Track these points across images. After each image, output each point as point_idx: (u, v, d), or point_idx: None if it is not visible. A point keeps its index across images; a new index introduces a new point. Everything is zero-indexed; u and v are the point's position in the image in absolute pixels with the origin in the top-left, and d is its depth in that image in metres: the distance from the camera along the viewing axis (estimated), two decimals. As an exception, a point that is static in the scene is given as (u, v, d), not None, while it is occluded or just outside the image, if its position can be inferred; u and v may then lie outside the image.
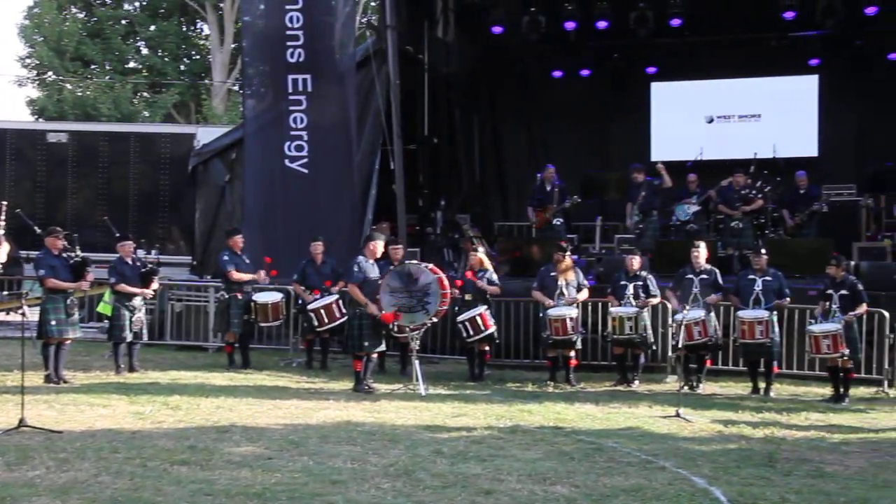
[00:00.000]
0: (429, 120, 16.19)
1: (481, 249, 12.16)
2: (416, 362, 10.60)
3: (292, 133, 14.48)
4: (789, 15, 15.92)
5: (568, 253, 11.61)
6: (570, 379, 11.34)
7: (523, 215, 15.81)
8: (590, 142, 18.31)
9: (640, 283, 11.43)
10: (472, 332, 11.27)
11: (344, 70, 14.47)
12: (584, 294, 11.64)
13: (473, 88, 18.22)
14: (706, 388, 11.18)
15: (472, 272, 11.52)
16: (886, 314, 11.18)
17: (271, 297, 12.19)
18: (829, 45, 17.22)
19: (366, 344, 10.48)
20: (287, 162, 14.49)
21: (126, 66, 32.70)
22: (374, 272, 10.67)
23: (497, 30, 17.17)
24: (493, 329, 11.39)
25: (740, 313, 10.87)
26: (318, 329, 11.95)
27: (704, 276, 11.22)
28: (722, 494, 6.32)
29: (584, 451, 7.56)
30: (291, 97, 14.45)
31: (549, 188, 14.79)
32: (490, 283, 11.63)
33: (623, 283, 11.45)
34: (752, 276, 11.05)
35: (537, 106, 18.94)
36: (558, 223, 14.70)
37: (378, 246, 10.81)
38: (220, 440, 7.66)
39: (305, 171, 14.45)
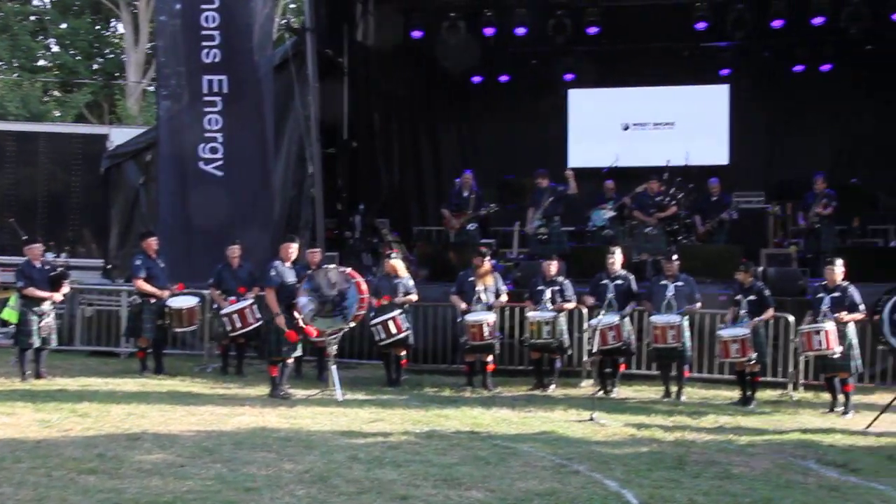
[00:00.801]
0: (348, 123, 16.11)
1: (395, 255, 12.14)
2: (334, 367, 10.52)
3: (206, 135, 14.25)
4: (701, 25, 16.32)
5: (487, 258, 11.67)
6: (487, 383, 11.40)
7: (441, 220, 15.86)
8: (508, 147, 18.47)
9: (557, 288, 11.56)
10: (384, 336, 11.26)
11: (261, 72, 14.30)
12: (504, 299, 11.73)
13: (393, 93, 18.21)
14: (620, 392, 11.36)
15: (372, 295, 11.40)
16: (791, 319, 11.52)
17: (186, 301, 11.99)
18: (739, 55, 17.74)
19: (283, 349, 10.39)
20: (201, 164, 14.25)
21: (35, 63, 31.72)
22: (291, 276, 10.59)
23: (416, 34, 17.20)
24: (405, 333, 11.38)
25: (653, 318, 11.08)
26: (233, 334, 11.78)
27: (619, 282, 11.40)
28: (633, 497, 6.44)
29: (499, 455, 7.61)
30: (206, 98, 14.22)
31: (466, 194, 14.86)
32: (406, 290, 11.64)
33: (540, 288, 11.57)
34: (664, 282, 11.25)
35: (457, 111, 19.07)
36: (472, 228, 14.79)
37: (293, 249, 10.73)
38: (130, 448, 7.50)
39: (220, 173, 14.22)
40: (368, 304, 10.87)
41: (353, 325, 10.77)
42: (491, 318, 11.32)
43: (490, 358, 11.51)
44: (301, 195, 14.66)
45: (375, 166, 17.75)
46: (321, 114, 14.58)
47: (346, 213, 15.99)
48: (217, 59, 14.18)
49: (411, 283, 11.83)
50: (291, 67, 14.31)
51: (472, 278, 11.57)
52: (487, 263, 11.65)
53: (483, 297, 11.49)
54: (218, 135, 14.24)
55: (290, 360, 10.69)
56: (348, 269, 10.80)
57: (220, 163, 14.24)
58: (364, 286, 10.63)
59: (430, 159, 19.02)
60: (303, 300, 10.37)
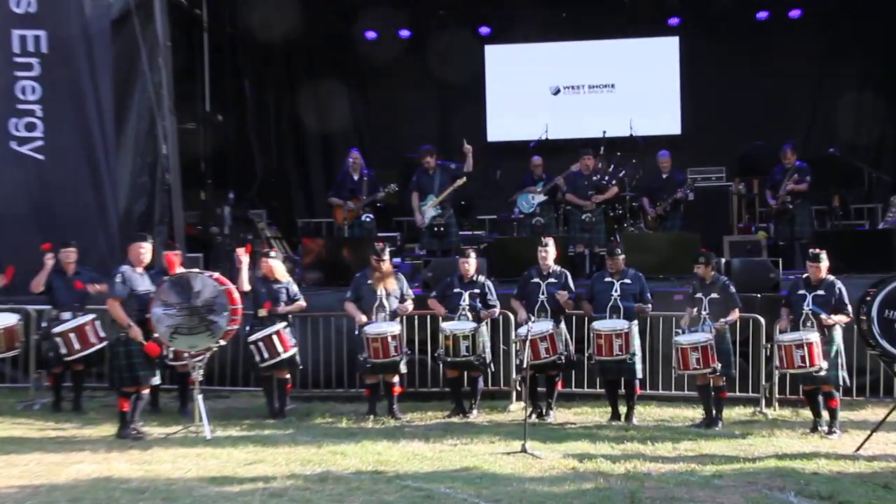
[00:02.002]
0: (211, 92, 15.81)
1: (274, 254, 11.97)
2: (200, 397, 10.36)
3: (20, 107, 13.77)
4: (645, -36, 16.56)
5: (387, 256, 11.58)
6: (393, 411, 11.36)
7: (331, 210, 15.72)
8: (411, 119, 18.42)
9: (478, 290, 11.53)
10: (266, 356, 11.14)
11: (94, 28, 13.88)
12: (410, 306, 11.67)
13: (268, 53, 17.96)
14: (557, 415, 11.38)
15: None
16: (762, 320, 11.71)
17: (3, 319, 11.60)
18: (691, 0, 18.00)
19: (140, 373, 10.26)
20: (15, 145, 13.77)
21: None
22: (143, 284, 10.44)
23: (295, -22, 17.01)
24: (293, 351, 11.30)
25: (595, 325, 11.12)
26: (68, 359, 11.47)
27: (553, 280, 11.42)
28: (577, 546, 6.44)
29: (410, 499, 7.57)
30: (18, 60, 13.74)
31: (356, 177, 14.76)
32: (291, 298, 11.52)
33: (457, 290, 11.53)
34: (607, 279, 11.31)
35: (348, 75, 18.90)
36: (368, 219, 14.69)
37: (144, 250, 10.52)
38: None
39: (40, 156, 13.78)
40: (243, 317, 10.69)
41: (223, 343, 10.60)
42: (396, 329, 11.26)
43: (396, 379, 11.46)
44: (154, 183, 14.33)
45: (247, 145, 17.50)
46: (176, 80, 14.25)
47: (212, 203, 15.72)
48: (32, 9, 13.71)
49: (296, 288, 11.72)
50: (135, 21, 13.96)
51: (370, 281, 11.48)
52: (388, 263, 11.56)
53: (385, 304, 11.42)
54: (35, 107, 13.78)
55: (146, 390, 10.48)
56: (216, 274, 10.62)
57: (39, 143, 13.78)
58: (237, 295, 10.46)
59: (315, 135, 18.84)
60: (158, 313, 10.16)
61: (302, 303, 11.61)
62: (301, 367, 11.72)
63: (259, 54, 17.82)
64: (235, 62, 17.08)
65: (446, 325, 11.32)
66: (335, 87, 18.88)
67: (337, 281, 13.16)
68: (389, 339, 11.13)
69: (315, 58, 18.69)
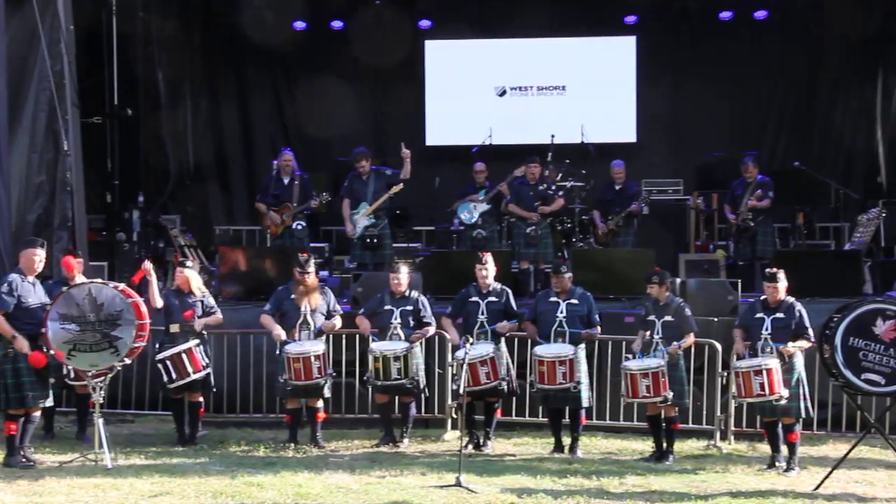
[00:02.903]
0: (120, 83, 15.68)
1: (190, 264, 11.92)
2: (100, 422, 10.28)
3: None
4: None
5: (312, 268, 11.58)
6: (316, 439, 11.35)
7: (255, 217, 15.66)
8: (344, 119, 18.39)
9: (410, 307, 11.56)
10: (175, 376, 11.09)
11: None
12: (337, 323, 11.67)
13: (184, 43, 17.84)
14: (496, 446, 11.44)
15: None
16: (719, 346, 11.87)
17: None
18: (649, -2, 18.21)
19: (29, 394, 10.12)
20: None
21: None
22: (35, 295, 10.35)
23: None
24: (205, 372, 11.28)
25: (538, 350, 11.17)
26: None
27: (493, 299, 11.47)
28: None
29: (332, 537, 7.56)
30: None
31: (286, 181, 14.71)
32: (206, 311, 11.49)
33: (388, 307, 11.54)
34: (553, 299, 11.38)
35: (275, 68, 18.84)
36: (299, 227, 14.65)
37: (38, 257, 10.41)
38: None
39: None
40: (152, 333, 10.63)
41: (128, 361, 10.53)
42: (320, 349, 11.24)
43: (320, 404, 11.44)
44: (53, 183, 14.15)
45: (160, 143, 17.37)
46: (80, 69, 14.12)
47: (120, 207, 15.59)
48: None
49: (212, 301, 11.69)
50: (34, 1, 13.78)
51: (293, 296, 11.46)
52: (313, 276, 11.56)
53: (310, 321, 11.41)
54: None
55: (37, 413, 10.36)
56: (122, 285, 10.56)
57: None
58: (144, 308, 10.42)
59: (237, 133, 18.74)
60: (55, 327, 10.08)
61: (219, 315, 11.58)
62: (215, 389, 11.68)
63: (174, 43, 17.68)
64: (148, 51, 16.93)
65: (376, 346, 11.32)
66: (260, 81, 18.82)
67: (257, 295, 13.08)
68: (313, 359, 11.09)
69: (237, 48, 18.58)
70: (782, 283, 10.67)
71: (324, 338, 11.51)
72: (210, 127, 18.54)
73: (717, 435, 11.85)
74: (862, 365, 9.77)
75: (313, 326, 11.41)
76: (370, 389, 11.74)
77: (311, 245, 14.74)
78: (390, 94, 18.70)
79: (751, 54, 18.01)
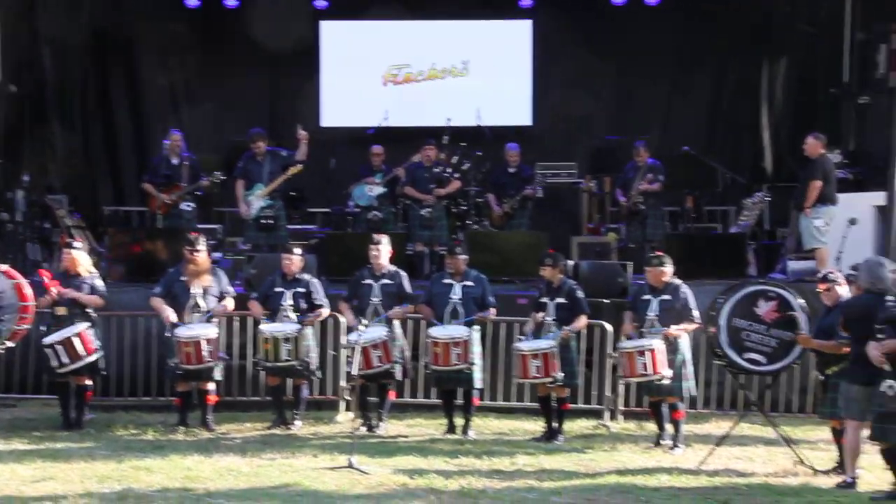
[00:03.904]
0: (3, 59, 15.33)
1: (77, 245, 11.75)
2: (-18, 406, 10.13)
3: None
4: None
5: (203, 247, 11.50)
6: (207, 422, 11.31)
7: (144, 197, 15.45)
8: (237, 99, 18.22)
9: (302, 289, 11.55)
10: (65, 360, 10.96)
11: None
12: (229, 305, 11.62)
13: (72, 17, 17.47)
14: (389, 428, 11.52)
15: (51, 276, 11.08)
16: (609, 328, 12.08)
17: None
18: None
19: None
20: None
21: None
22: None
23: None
24: (98, 355, 11.17)
25: (432, 331, 11.26)
26: None
27: (387, 282, 11.52)
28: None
29: (221, 520, 7.56)
30: None
31: (175, 161, 14.58)
32: (94, 291, 11.35)
33: (279, 289, 11.53)
34: (447, 281, 11.47)
35: (165, 46, 18.53)
36: (188, 209, 14.52)
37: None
38: None
39: None
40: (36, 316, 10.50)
41: (11, 345, 10.45)
42: (211, 332, 11.21)
43: (211, 387, 11.39)
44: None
45: (46, 120, 17.01)
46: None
47: (2, 186, 15.30)
48: None
49: (101, 283, 11.56)
50: None
51: (183, 277, 11.39)
52: (204, 256, 11.49)
53: (201, 303, 11.36)
54: None
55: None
56: (4, 267, 10.45)
57: None
58: (28, 290, 10.32)
59: (126, 112, 18.41)
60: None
61: (98, 299, 11.45)
62: (105, 372, 11.59)
63: (62, 18, 17.30)
64: (32, 25, 16.55)
65: (266, 327, 11.33)
66: (150, 59, 18.50)
67: (147, 276, 12.97)
68: (203, 342, 11.05)
69: (127, 25, 18.25)
70: (667, 266, 10.88)
71: (216, 320, 11.45)
72: (99, 106, 18.20)
73: (607, 415, 12.07)
74: (745, 345, 10.05)
75: (204, 308, 11.34)
76: (262, 371, 11.71)
77: (204, 226, 14.61)
78: (285, 75, 18.53)
79: (643, 39, 18.17)
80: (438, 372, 11.24)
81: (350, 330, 11.42)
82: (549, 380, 10.90)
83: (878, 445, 8.74)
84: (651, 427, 11.25)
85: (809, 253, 13.32)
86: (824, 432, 10.44)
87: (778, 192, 15.59)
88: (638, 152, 15.10)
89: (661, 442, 10.83)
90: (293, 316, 11.42)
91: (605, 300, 12.50)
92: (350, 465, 9.33)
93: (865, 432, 8.93)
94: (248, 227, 14.45)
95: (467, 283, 11.42)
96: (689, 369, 10.85)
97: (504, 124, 17.34)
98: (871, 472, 9.25)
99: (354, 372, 10.73)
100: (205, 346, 11.06)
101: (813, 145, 13.21)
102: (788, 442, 10.24)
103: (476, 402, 11.52)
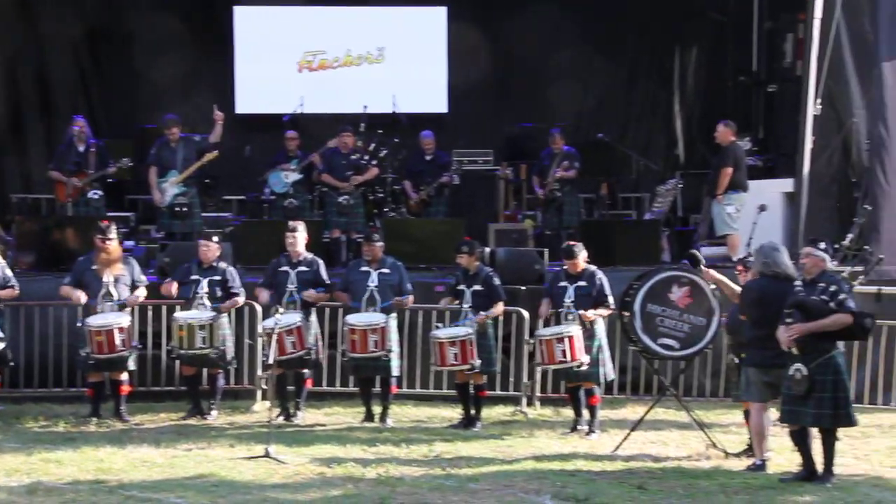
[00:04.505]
0: None
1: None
2: None
3: None
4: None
5: (114, 235, 11.36)
6: (120, 412, 11.21)
7: (52, 185, 15.18)
8: (151, 85, 17.96)
9: (218, 277, 11.46)
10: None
11: None
12: (141, 294, 11.50)
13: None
14: (307, 416, 11.50)
15: None
16: (526, 314, 12.13)
17: None
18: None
19: None
20: None
21: None
22: None
23: None
24: (2, 345, 11.07)
25: (349, 318, 11.24)
26: None
27: (304, 269, 11.47)
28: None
29: (135, 512, 7.48)
30: None
31: (81, 148, 14.35)
32: (2, 283, 11.24)
33: (194, 277, 11.43)
34: (364, 269, 11.45)
35: (73, 30, 18.18)
36: (95, 196, 14.32)
37: None
38: None
39: None
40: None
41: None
42: (124, 321, 11.10)
43: (124, 377, 11.29)
44: None
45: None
46: None
47: None
48: None
49: (9, 272, 11.42)
50: None
51: (95, 266, 11.25)
52: (115, 245, 11.36)
53: (113, 291, 11.23)
54: None
55: None
56: None
57: None
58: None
59: (33, 97, 18.06)
60: None
61: (15, 290, 11.30)
62: (13, 363, 11.40)
63: None
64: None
65: (180, 315, 11.25)
66: (59, 42, 18.14)
67: (56, 265, 12.82)
68: (116, 331, 10.95)
69: (37, 6, 17.88)
70: (581, 252, 10.97)
71: (128, 309, 11.32)
72: (4, 91, 17.80)
73: (524, 401, 12.14)
74: (659, 330, 10.18)
75: (117, 297, 11.21)
76: (177, 360, 11.61)
77: (116, 214, 14.43)
78: (199, 61, 18.26)
79: (557, 27, 18.27)
80: (356, 359, 11.23)
81: (266, 316, 11.34)
82: (467, 367, 10.96)
83: (788, 428, 8.92)
84: (568, 413, 11.31)
85: (721, 239, 13.52)
86: (736, 416, 10.63)
87: (690, 179, 15.82)
88: (554, 139, 15.23)
89: (578, 427, 10.92)
90: (208, 304, 11.33)
91: (521, 287, 12.57)
92: (267, 455, 9.28)
93: (775, 415, 9.10)
94: (162, 214, 14.28)
95: (384, 270, 11.43)
96: (606, 355, 10.97)
97: (420, 111, 17.33)
98: (781, 454, 9.44)
99: (270, 360, 10.67)
100: (117, 336, 10.94)
101: (724, 133, 13.41)
102: (701, 426, 10.42)
103: (394, 389, 11.54)
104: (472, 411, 11.21)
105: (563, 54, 18.13)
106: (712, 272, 10.12)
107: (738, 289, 9.82)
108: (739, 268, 10.12)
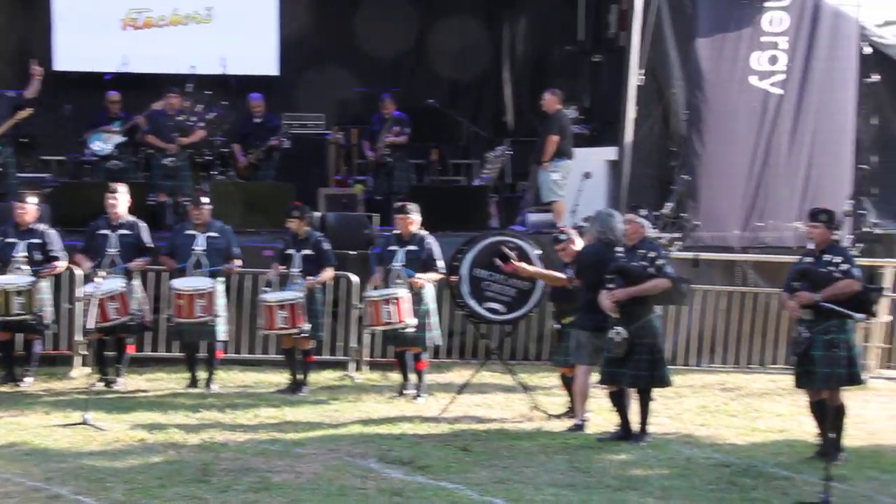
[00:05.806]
0: None
1: None
2: None
3: None
4: None
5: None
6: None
7: None
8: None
9: (37, 240, 11.16)
10: None
11: None
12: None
13: None
14: (128, 383, 11.31)
15: None
16: (356, 279, 12.12)
17: None
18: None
19: None
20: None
21: None
22: None
23: None
24: None
25: (174, 283, 11.10)
26: None
27: (125, 232, 11.26)
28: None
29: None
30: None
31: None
32: None
33: (11, 240, 11.10)
34: (191, 232, 11.30)
35: None
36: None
37: None
38: None
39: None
40: None
41: None
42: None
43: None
44: None
45: None
46: None
47: None
48: None
49: None
50: None
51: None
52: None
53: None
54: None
55: None
56: None
57: None
58: None
59: None
60: None
61: None
62: None
63: None
64: None
65: (-3, 279, 10.88)
66: None
67: None
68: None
69: None
70: (413, 216, 11.00)
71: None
72: None
73: (352, 366, 12.16)
74: (485, 294, 10.30)
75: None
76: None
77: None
78: (14, 14, 17.51)
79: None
80: (181, 324, 11.11)
81: (87, 281, 11.05)
82: (296, 331, 10.94)
83: (607, 389, 9.14)
84: (395, 377, 11.37)
85: (547, 206, 13.68)
86: (559, 379, 10.80)
87: (519, 146, 15.91)
88: (384, 104, 15.21)
89: (405, 392, 10.99)
90: (26, 268, 10.97)
91: (351, 252, 12.55)
92: (84, 422, 9.13)
93: (595, 377, 9.30)
94: None
95: (211, 234, 11.32)
96: (434, 319, 11.05)
97: (250, 73, 17.05)
98: (600, 415, 9.70)
99: (90, 325, 10.40)
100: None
101: (550, 101, 13.56)
102: (525, 388, 10.61)
103: (220, 354, 11.43)
104: (300, 376, 11.17)
105: (394, 19, 18.04)
106: (529, 267, 10.14)
107: (557, 274, 9.95)
108: (558, 246, 10.18)
